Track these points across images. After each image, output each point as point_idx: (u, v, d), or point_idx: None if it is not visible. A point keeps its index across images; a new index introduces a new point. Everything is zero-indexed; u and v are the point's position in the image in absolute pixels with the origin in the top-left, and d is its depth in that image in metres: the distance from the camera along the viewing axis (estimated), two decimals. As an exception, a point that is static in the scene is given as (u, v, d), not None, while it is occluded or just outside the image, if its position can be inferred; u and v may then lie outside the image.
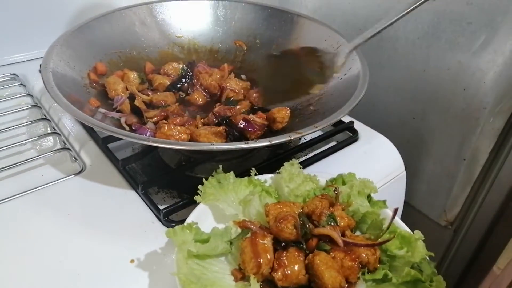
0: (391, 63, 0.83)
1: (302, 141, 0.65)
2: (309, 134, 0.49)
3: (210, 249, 0.40)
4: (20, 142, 0.58)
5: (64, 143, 0.59)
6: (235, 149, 0.47)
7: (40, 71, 0.72)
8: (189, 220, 0.43)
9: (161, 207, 0.49)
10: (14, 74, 0.74)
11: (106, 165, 0.57)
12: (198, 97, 0.64)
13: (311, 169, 0.59)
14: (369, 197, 0.48)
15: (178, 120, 0.57)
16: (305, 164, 0.59)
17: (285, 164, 0.49)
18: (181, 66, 0.68)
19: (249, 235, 0.41)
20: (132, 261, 0.44)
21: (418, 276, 0.37)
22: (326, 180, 0.50)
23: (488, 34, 0.68)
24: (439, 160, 0.83)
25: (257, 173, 0.49)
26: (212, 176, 0.47)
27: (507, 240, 0.83)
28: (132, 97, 0.60)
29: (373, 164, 0.64)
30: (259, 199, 0.46)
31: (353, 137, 0.65)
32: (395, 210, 0.44)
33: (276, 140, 0.47)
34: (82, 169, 0.56)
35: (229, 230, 0.42)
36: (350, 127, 0.67)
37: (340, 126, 0.67)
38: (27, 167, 0.55)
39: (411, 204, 0.91)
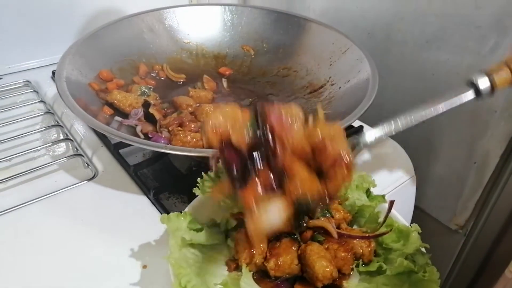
0: (400, 66, 0.83)
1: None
2: None
3: (204, 239, 0.41)
4: (34, 148, 0.59)
5: (77, 149, 0.60)
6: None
7: (52, 78, 0.74)
8: (187, 210, 0.44)
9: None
10: (27, 81, 0.76)
11: (118, 171, 0.58)
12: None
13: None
14: (368, 192, 0.48)
15: (192, 127, 0.58)
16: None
17: None
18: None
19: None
20: (145, 266, 0.45)
21: (411, 267, 0.38)
22: None
23: (497, 38, 0.67)
24: (449, 164, 0.83)
25: None
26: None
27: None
28: (146, 105, 0.61)
29: (383, 168, 0.64)
30: None
31: (362, 141, 0.65)
32: (391, 203, 0.44)
33: None
34: (94, 174, 0.57)
35: (224, 221, 0.43)
36: (359, 132, 0.67)
37: (349, 131, 0.67)
38: (40, 173, 0.56)
39: (421, 208, 0.91)
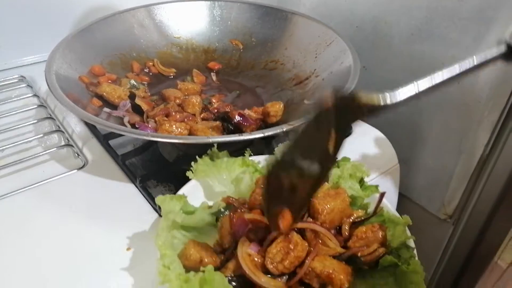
0: (387, 60, 0.84)
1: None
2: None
3: (195, 221, 0.42)
4: (26, 139, 0.61)
5: (68, 140, 0.62)
6: (230, 141, 0.49)
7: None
8: (179, 193, 0.45)
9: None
10: (22, 76, 0.78)
11: (107, 161, 0.59)
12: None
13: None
14: (361, 182, 0.49)
15: (178, 117, 0.59)
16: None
17: (280, 145, 0.51)
18: None
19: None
20: (128, 248, 0.46)
21: (395, 261, 0.39)
22: None
23: (480, 30, 0.68)
24: (437, 155, 0.84)
25: (251, 153, 0.50)
26: (207, 154, 0.48)
27: (506, 231, 0.83)
28: (132, 97, 0.63)
29: (367, 156, 0.65)
30: (250, 178, 0.48)
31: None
32: (382, 194, 0.45)
33: (269, 132, 0.49)
34: (84, 164, 0.59)
35: (216, 205, 0.44)
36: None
37: (333, 121, 0.68)
38: (32, 163, 0.58)
39: (411, 199, 0.92)
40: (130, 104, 0.61)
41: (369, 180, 0.63)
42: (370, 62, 0.84)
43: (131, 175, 0.56)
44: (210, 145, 0.60)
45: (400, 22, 0.79)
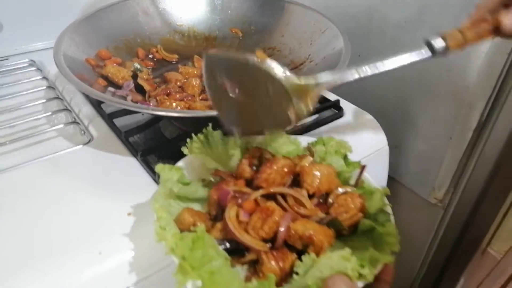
0: (381, 47, 0.87)
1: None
2: None
3: (190, 192, 0.45)
4: (36, 117, 0.65)
5: (74, 118, 0.66)
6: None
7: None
8: (177, 165, 0.48)
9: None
10: (32, 60, 0.82)
11: (111, 137, 0.63)
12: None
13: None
14: (345, 158, 0.51)
15: (177, 96, 0.63)
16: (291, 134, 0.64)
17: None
18: None
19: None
20: (129, 214, 0.50)
21: (372, 225, 0.41)
22: (308, 143, 0.53)
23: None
24: (427, 140, 0.87)
25: None
26: (202, 133, 0.51)
27: (494, 215, 0.86)
28: (134, 76, 0.67)
29: (357, 138, 0.68)
30: (241, 154, 0.50)
31: (338, 113, 0.70)
32: (363, 167, 0.49)
33: None
34: (89, 140, 0.63)
35: (208, 179, 0.47)
36: (335, 105, 0.72)
37: (326, 104, 0.72)
38: (42, 138, 0.62)
39: (403, 184, 0.95)
40: (133, 85, 0.65)
41: (358, 160, 0.66)
42: (365, 50, 0.87)
43: (133, 150, 0.60)
44: (206, 123, 0.63)
45: (394, 11, 0.81)
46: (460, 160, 0.84)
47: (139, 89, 0.66)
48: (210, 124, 0.52)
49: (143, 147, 0.64)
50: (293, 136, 0.53)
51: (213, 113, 0.51)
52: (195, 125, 0.66)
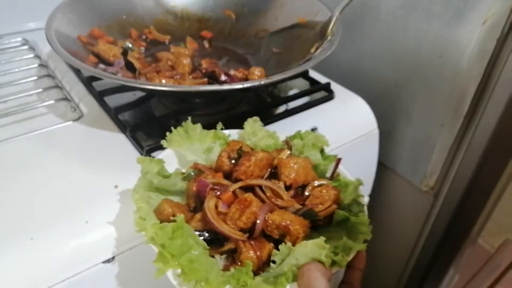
0: (375, 33, 0.87)
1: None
2: (279, 79, 0.55)
3: (169, 185, 0.45)
4: (27, 93, 0.65)
5: (66, 96, 0.66)
6: (210, 90, 0.52)
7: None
8: (159, 157, 0.48)
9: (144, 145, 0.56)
10: (25, 39, 0.82)
11: (101, 114, 0.64)
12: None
13: (287, 121, 0.65)
14: (322, 151, 0.52)
15: (167, 73, 0.63)
16: (282, 116, 0.65)
17: (249, 119, 0.53)
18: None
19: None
20: (116, 186, 0.51)
21: (346, 215, 0.42)
22: (286, 136, 0.54)
23: (459, 3, 0.71)
24: (419, 127, 0.87)
25: (223, 127, 0.53)
26: (181, 126, 0.51)
27: (484, 204, 0.87)
28: (125, 53, 0.67)
29: (347, 120, 0.69)
30: (220, 147, 0.51)
31: (329, 96, 0.71)
32: (338, 160, 0.49)
33: (248, 84, 0.52)
34: (80, 116, 0.63)
35: (188, 172, 0.47)
36: (326, 88, 0.72)
37: (317, 86, 0.72)
38: (33, 114, 0.63)
39: (395, 171, 0.96)
40: (124, 62, 0.65)
41: (347, 142, 0.67)
42: (359, 35, 0.87)
43: (123, 126, 0.60)
44: (195, 101, 0.64)
45: (387, -4, 0.82)
46: (451, 147, 0.84)
47: (130, 67, 0.66)
48: (189, 118, 0.52)
49: (132, 124, 0.64)
50: (271, 130, 0.54)
51: (203, 88, 0.51)
52: (184, 104, 0.66)
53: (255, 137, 0.53)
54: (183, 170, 0.49)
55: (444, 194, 0.91)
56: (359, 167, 0.72)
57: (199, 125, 0.52)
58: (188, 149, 0.50)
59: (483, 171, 0.85)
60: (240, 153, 0.48)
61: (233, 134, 0.54)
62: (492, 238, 0.91)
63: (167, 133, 0.50)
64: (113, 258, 0.47)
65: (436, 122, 0.83)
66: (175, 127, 0.50)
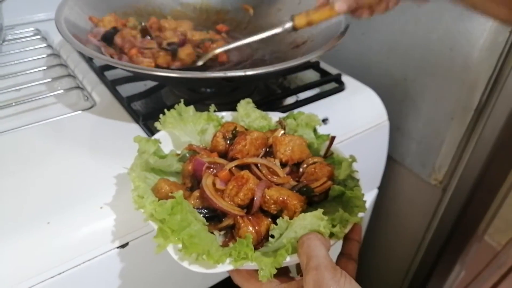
0: (385, 25, 0.87)
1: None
2: (278, 69, 0.55)
3: (165, 165, 0.45)
4: (40, 82, 0.66)
5: (78, 84, 0.67)
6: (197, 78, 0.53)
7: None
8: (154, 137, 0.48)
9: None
10: (37, 29, 0.83)
11: (113, 103, 0.64)
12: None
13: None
14: (315, 131, 0.52)
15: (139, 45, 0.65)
16: (292, 107, 0.65)
17: (241, 101, 0.53)
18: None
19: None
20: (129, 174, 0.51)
21: (342, 189, 0.42)
22: (279, 117, 0.54)
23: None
24: (429, 120, 0.87)
25: (216, 109, 0.53)
26: (174, 108, 0.51)
27: (492, 200, 0.87)
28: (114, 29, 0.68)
29: (357, 111, 0.69)
30: (214, 130, 0.51)
31: (339, 87, 0.71)
32: (332, 138, 0.49)
33: (231, 73, 0.52)
34: (92, 105, 0.64)
35: (183, 153, 0.47)
36: (337, 79, 0.72)
37: (328, 77, 0.72)
38: (46, 102, 0.63)
39: (404, 165, 0.96)
40: (103, 31, 0.66)
41: (357, 133, 0.67)
42: (369, 28, 0.87)
43: (135, 115, 0.61)
44: (205, 95, 0.63)
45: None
46: (461, 140, 0.84)
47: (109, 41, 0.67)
48: (182, 100, 0.52)
49: (144, 113, 0.65)
50: (264, 112, 0.54)
51: (219, 74, 0.51)
52: (195, 93, 0.67)
53: (248, 118, 0.52)
54: (178, 152, 0.49)
55: (453, 188, 0.91)
56: (369, 159, 0.72)
57: (192, 107, 0.52)
58: (182, 130, 0.50)
59: (491, 166, 0.84)
60: (235, 133, 0.48)
61: (226, 116, 0.54)
62: (499, 235, 0.91)
63: (160, 115, 0.50)
64: (127, 243, 0.47)
65: (446, 115, 0.83)
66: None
